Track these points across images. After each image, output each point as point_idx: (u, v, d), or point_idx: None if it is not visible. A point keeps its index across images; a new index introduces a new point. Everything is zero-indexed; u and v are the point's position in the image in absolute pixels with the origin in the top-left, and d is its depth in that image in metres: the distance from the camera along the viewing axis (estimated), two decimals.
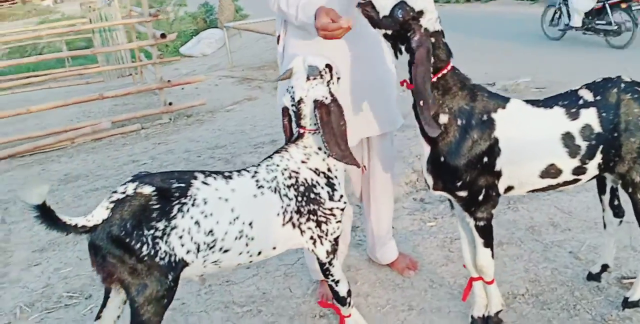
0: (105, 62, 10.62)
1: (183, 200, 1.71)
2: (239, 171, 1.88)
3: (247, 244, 1.80)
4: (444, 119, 1.93)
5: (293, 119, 1.97)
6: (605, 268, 2.45)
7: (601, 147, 1.98)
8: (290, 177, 1.89)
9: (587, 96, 2.01)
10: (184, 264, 1.73)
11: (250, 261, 1.87)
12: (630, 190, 2.08)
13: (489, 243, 2.11)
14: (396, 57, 1.91)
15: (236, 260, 1.82)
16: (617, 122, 1.97)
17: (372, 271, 2.72)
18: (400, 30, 1.83)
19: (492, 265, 2.15)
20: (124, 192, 1.67)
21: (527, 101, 2.03)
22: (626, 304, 2.27)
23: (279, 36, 2.32)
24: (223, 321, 2.45)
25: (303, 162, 1.93)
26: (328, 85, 1.95)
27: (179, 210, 1.70)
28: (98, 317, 1.86)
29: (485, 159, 1.94)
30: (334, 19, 1.93)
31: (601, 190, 2.33)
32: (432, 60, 1.84)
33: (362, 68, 2.24)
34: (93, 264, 1.68)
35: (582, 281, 2.48)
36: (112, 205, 1.65)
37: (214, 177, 1.80)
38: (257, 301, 2.55)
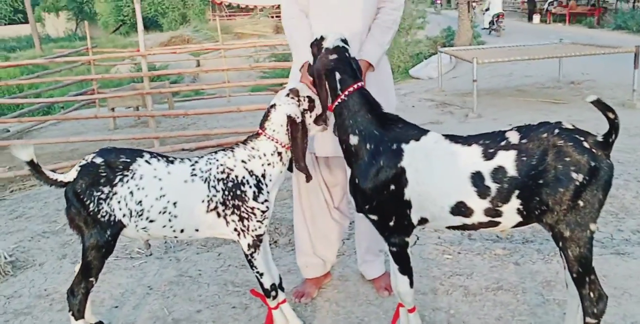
0: None
1: (125, 172, 2.19)
2: (182, 159, 2.29)
3: (170, 220, 2.19)
4: (354, 140, 2.09)
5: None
6: None
7: (517, 192, 1.90)
8: (223, 172, 2.22)
9: (513, 137, 1.94)
10: (121, 225, 2.20)
11: (176, 237, 2.26)
12: (560, 244, 1.95)
13: (405, 270, 2.16)
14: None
15: (161, 231, 2.22)
16: (542, 169, 1.88)
17: (357, 285, 2.87)
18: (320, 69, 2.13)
19: (411, 293, 2.19)
20: (86, 160, 2.21)
21: (447, 136, 2.04)
22: None
23: None
24: (212, 294, 2.88)
25: (243, 161, 2.23)
26: (303, 114, 2.25)
27: (120, 180, 2.18)
28: None
29: (393, 187, 2.03)
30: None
31: (557, 245, 2.15)
32: (339, 76, 2.09)
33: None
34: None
35: None
36: (79, 169, 2.20)
37: (158, 159, 2.24)
38: (250, 285, 2.91)
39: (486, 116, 8.01)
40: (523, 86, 10.65)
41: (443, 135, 2.06)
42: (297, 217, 2.82)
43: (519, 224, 2.01)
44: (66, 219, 2.27)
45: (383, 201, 2.06)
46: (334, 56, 2.13)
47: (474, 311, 2.55)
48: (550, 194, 1.87)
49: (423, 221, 2.08)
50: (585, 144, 1.87)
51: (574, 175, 1.85)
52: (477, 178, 1.93)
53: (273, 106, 2.26)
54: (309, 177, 2.27)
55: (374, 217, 2.11)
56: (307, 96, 2.26)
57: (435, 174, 1.99)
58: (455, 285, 2.78)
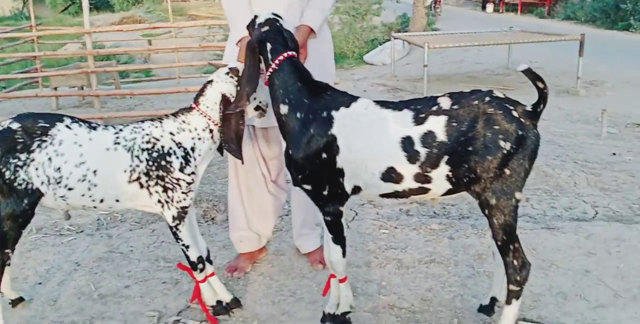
0: None
1: (43, 138, 2.07)
2: (107, 126, 2.19)
3: (89, 189, 2.10)
4: (284, 109, 2.05)
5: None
6: (493, 301, 2.28)
7: (446, 157, 1.89)
8: (148, 142, 2.13)
9: (444, 103, 1.93)
10: (39, 193, 2.09)
11: (95, 207, 2.17)
12: (486, 212, 1.96)
13: (338, 240, 2.14)
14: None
15: (80, 201, 2.13)
16: (472, 136, 1.87)
17: (292, 259, 2.85)
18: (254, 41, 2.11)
19: (343, 263, 2.16)
20: (2, 126, 2.09)
21: (377, 102, 2.02)
22: None
23: None
24: (142, 269, 2.81)
25: (171, 133, 2.16)
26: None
27: (38, 146, 2.06)
28: None
29: (325, 155, 2.00)
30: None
31: (482, 212, 2.17)
32: (271, 46, 2.05)
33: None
34: None
35: (474, 312, 2.33)
36: None
37: (79, 124, 2.14)
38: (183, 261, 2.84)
39: None
40: (473, 73, 10.79)
41: (374, 101, 2.03)
42: (232, 191, 2.75)
43: (448, 192, 2.00)
44: None
45: (315, 170, 2.02)
46: (266, 28, 2.10)
47: (405, 283, 2.56)
48: (479, 162, 1.87)
49: (357, 189, 2.05)
50: (514, 113, 1.88)
51: (502, 143, 1.85)
52: (407, 143, 1.91)
53: (210, 81, 2.19)
54: (242, 160, 2.24)
55: (308, 187, 2.08)
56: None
57: (366, 140, 1.97)
58: (389, 258, 2.78)
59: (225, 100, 2.15)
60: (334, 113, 2.00)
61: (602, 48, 11.77)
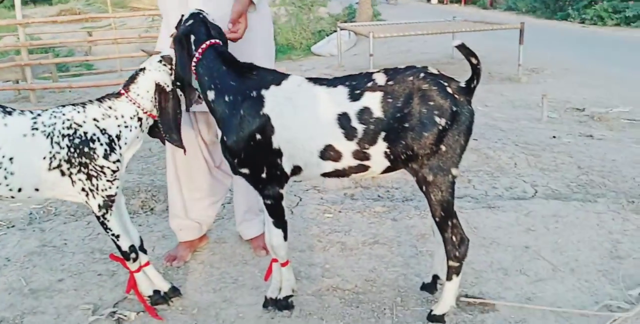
0: None
1: None
2: (23, 111, 2.06)
3: (5, 177, 1.96)
4: (211, 95, 1.99)
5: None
6: (435, 279, 2.28)
7: (383, 134, 1.87)
8: (69, 128, 2.01)
9: (380, 79, 1.90)
10: None
11: (13, 197, 2.02)
12: (423, 189, 1.95)
13: (279, 223, 2.09)
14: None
15: None
16: (407, 112, 1.85)
17: (234, 246, 2.79)
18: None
19: (284, 246, 2.12)
20: None
21: (310, 79, 1.98)
22: (430, 317, 2.11)
23: None
24: (77, 262, 2.69)
25: (95, 119, 2.04)
26: (169, 73, 2.12)
27: None
28: None
29: (259, 137, 1.94)
30: None
31: (420, 189, 2.17)
32: (193, 37, 2.02)
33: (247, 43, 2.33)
34: None
35: (417, 291, 2.33)
36: None
37: None
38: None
39: None
40: (418, 62, 10.83)
41: (307, 78, 1.98)
42: (170, 178, 2.66)
43: (387, 170, 1.98)
44: None
45: (251, 153, 1.96)
46: (190, 22, 2.06)
47: (349, 264, 2.54)
48: (415, 138, 1.86)
49: (297, 169, 2.00)
50: (449, 89, 1.87)
51: (437, 119, 1.84)
52: (343, 119, 1.88)
53: (142, 69, 2.10)
54: (184, 150, 2.16)
55: (245, 170, 2.01)
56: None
57: (302, 118, 1.92)
58: (332, 241, 2.75)
59: (160, 89, 2.07)
60: (264, 92, 1.94)
61: (542, 37, 12.13)
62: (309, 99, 1.93)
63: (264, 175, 2.00)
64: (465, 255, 2.04)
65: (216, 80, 1.98)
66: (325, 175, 2.04)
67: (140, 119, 2.09)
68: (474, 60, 1.91)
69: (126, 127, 2.08)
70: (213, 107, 2.01)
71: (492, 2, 20.66)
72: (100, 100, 2.10)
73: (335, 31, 14.89)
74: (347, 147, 1.91)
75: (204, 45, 2.00)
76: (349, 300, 2.27)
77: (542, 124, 5.69)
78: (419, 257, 2.61)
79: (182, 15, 2.13)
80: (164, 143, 2.26)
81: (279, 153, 1.96)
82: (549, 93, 6.67)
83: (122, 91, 2.10)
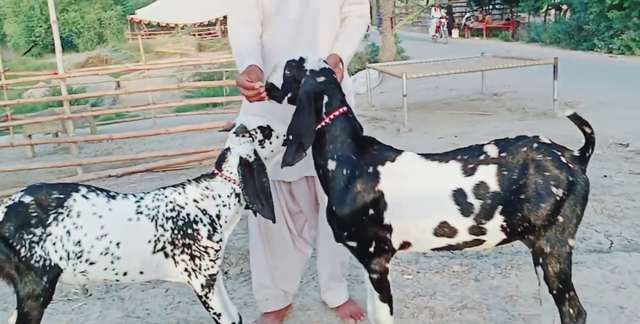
0: None
1: (60, 210, 1.96)
2: (126, 194, 2.09)
3: (112, 262, 1.98)
4: (332, 165, 1.99)
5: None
6: None
7: (500, 207, 1.85)
8: (172, 210, 2.04)
9: (492, 151, 1.90)
10: (58, 269, 1.96)
11: (117, 280, 2.05)
12: (540, 260, 1.92)
13: (385, 298, 2.07)
14: None
15: (102, 275, 2.01)
16: (523, 184, 1.84)
17: (320, 313, 2.75)
18: (294, 85, 2.00)
19: (391, 321, 2.09)
20: (13, 200, 1.97)
21: (423, 155, 1.98)
22: None
23: None
24: None
25: (195, 200, 2.07)
26: (261, 144, 2.13)
27: (55, 219, 1.94)
28: None
29: (371, 212, 1.93)
30: (253, 79, 2.11)
31: (536, 261, 2.14)
32: (327, 99, 1.97)
33: None
34: None
35: None
36: (5, 210, 1.95)
37: (97, 194, 2.03)
38: (204, 322, 2.73)
39: (417, 129, 8.15)
40: (449, 99, 10.95)
41: (418, 154, 1.99)
42: (254, 248, 2.65)
43: (503, 242, 1.97)
44: None
45: (362, 227, 1.96)
46: (322, 78, 1.99)
47: None
48: (532, 210, 1.84)
49: (405, 245, 1.99)
50: (563, 159, 1.86)
51: (554, 190, 1.83)
52: (459, 195, 1.87)
53: (228, 148, 2.12)
54: (274, 220, 2.13)
55: (353, 244, 2.01)
56: (258, 127, 2.14)
57: (415, 195, 1.92)
58: (420, 307, 2.71)
59: (243, 162, 2.07)
60: (379, 168, 1.95)
61: (570, 69, 12.11)
62: (423, 176, 1.93)
63: (371, 249, 1.99)
64: None
65: (340, 151, 1.98)
66: (435, 249, 2.02)
67: (237, 195, 2.11)
68: (587, 130, 1.91)
69: (224, 206, 2.10)
70: (330, 177, 2.00)
71: (513, 34, 20.80)
72: (197, 180, 2.12)
73: (359, 70, 15.09)
74: (463, 224, 1.89)
75: (337, 112, 1.99)
76: None
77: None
78: (512, 322, 2.55)
79: (302, 59, 2.02)
80: (255, 214, 2.25)
81: (389, 229, 1.96)
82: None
83: (216, 171, 2.12)
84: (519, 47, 17.25)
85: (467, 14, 24.65)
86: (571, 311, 1.94)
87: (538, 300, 2.65)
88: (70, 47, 30.54)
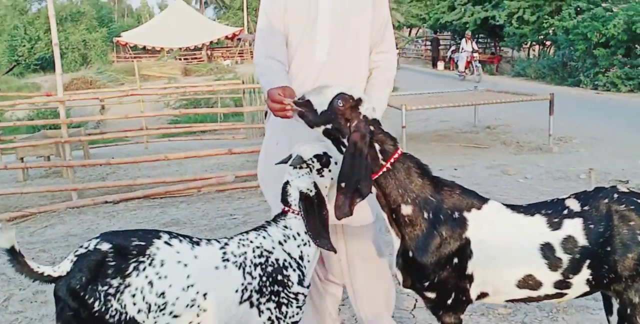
0: (249, 121, 11.58)
1: (140, 258, 1.80)
2: (209, 240, 1.96)
3: (198, 315, 1.84)
4: (407, 210, 1.90)
5: None
6: None
7: (588, 261, 1.84)
8: (260, 256, 1.93)
9: (574, 205, 1.89)
10: (134, 323, 1.78)
11: None
12: (628, 311, 1.89)
13: None
14: (340, 151, 1.93)
15: None
16: (609, 236, 1.84)
17: None
18: (340, 121, 1.87)
19: None
20: (87, 248, 1.81)
21: (507, 205, 1.96)
22: None
23: None
24: None
25: (280, 243, 1.97)
26: (320, 173, 2.02)
27: (135, 268, 1.78)
28: None
29: (456, 260, 1.88)
30: (285, 95, 1.97)
31: (608, 309, 2.12)
32: (379, 146, 1.88)
33: None
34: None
35: None
36: (75, 259, 1.79)
37: (180, 240, 1.89)
38: None
39: None
40: (442, 131, 11.07)
41: (504, 204, 1.96)
42: None
43: (583, 294, 1.95)
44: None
45: (445, 276, 1.89)
46: (372, 128, 1.89)
47: None
48: (619, 261, 1.83)
49: (482, 295, 1.95)
50: None
51: (639, 238, 1.83)
52: (547, 249, 1.85)
53: (287, 182, 2.02)
54: (335, 251, 2.04)
55: (432, 295, 1.94)
56: (314, 156, 2.00)
57: (502, 246, 1.88)
58: None
59: (303, 196, 1.98)
60: (466, 214, 1.90)
61: (559, 104, 12.36)
62: (510, 227, 1.90)
63: (449, 301, 1.94)
64: None
65: (413, 194, 1.89)
66: (509, 301, 1.99)
67: None
68: None
69: (305, 244, 1.99)
70: (406, 222, 1.91)
71: (497, 68, 21.28)
72: (274, 221, 2.03)
73: None
74: (549, 278, 1.87)
75: (396, 155, 1.90)
76: None
77: None
78: None
79: (360, 100, 1.88)
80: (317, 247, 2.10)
81: (470, 279, 1.91)
82: (585, 164, 6.71)
83: (286, 208, 2.03)
84: (505, 81, 17.62)
85: (452, 47, 25.11)
86: None
87: None
88: (53, 68, 30.21)
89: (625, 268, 1.83)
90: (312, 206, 1.98)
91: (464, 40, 19.74)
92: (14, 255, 1.76)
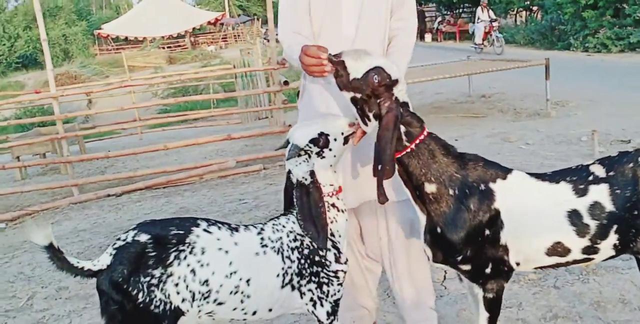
0: (244, 105, 11.47)
1: (181, 247, 1.78)
2: (246, 226, 1.94)
3: (242, 301, 1.83)
4: (431, 188, 1.86)
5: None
6: None
7: (615, 226, 1.82)
8: (295, 240, 1.90)
9: (599, 171, 1.87)
10: (179, 312, 1.78)
11: (244, 319, 1.90)
12: None
13: (494, 318, 1.99)
14: (365, 123, 1.86)
15: (230, 315, 1.85)
16: (636, 200, 1.81)
17: None
18: (370, 95, 1.80)
19: None
20: (125, 240, 1.79)
21: (531, 174, 1.92)
22: None
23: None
24: None
25: None
26: (320, 155, 1.91)
27: (176, 257, 1.76)
28: None
29: (487, 232, 1.86)
30: (323, 50, 1.87)
31: None
32: (405, 128, 1.82)
33: None
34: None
35: None
36: (114, 252, 1.77)
37: (218, 227, 1.86)
38: None
39: None
40: (437, 103, 11.01)
41: (527, 173, 1.92)
42: None
43: (608, 258, 1.93)
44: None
45: (478, 249, 1.87)
46: (402, 109, 1.81)
47: None
48: None
49: (516, 265, 1.93)
50: None
51: None
52: (574, 216, 1.83)
53: (289, 171, 1.94)
54: (325, 248, 1.93)
55: (467, 267, 1.92)
56: (310, 141, 1.89)
57: (531, 215, 1.86)
58: (511, 319, 2.65)
59: (299, 184, 1.89)
60: (492, 185, 1.87)
61: (552, 69, 12.34)
62: (537, 196, 1.87)
63: (487, 270, 1.91)
64: None
65: (437, 173, 1.86)
66: (538, 268, 1.97)
67: (333, 205, 1.95)
68: None
69: (332, 222, 1.95)
70: (432, 200, 1.88)
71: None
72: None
73: None
74: (577, 244, 1.86)
75: (421, 137, 1.86)
76: None
77: None
78: None
79: (396, 80, 1.79)
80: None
81: (505, 249, 1.88)
82: (583, 126, 6.68)
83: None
84: (494, 49, 17.48)
85: (439, 18, 24.91)
86: None
87: (627, 305, 2.66)
88: (35, 65, 29.81)
89: None
90: (307, 196, 1.88)
91: (479, 8, 17.65)
92: (54, 252, 1.74)
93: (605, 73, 11.66)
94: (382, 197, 1.83)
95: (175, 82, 12.44)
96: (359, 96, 1.82)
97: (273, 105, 9.81)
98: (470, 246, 1.87)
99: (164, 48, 30.40)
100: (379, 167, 1.79)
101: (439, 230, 1.89)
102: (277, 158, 7.52)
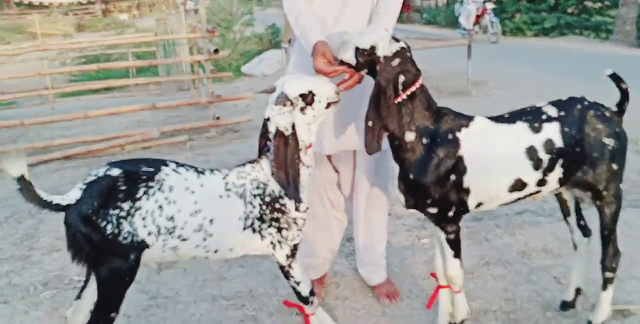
0: (165, 75, 11.14)
1: (150, 183, 1.84)
2: (212, 170, 2.01)
3: (204, 239, 1.92)
4: (410, 137, 2.04)
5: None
6: (578, 292, 2.46)
7: (561, 161, 2.07)
8: (258, 188, 2.00)
9: (551, 111, 2.11)
10: (144, 245, 1.85)
11: (206, 257, 1.99)
12: (597, 203, 2.16)
13: (458, 254, 2.20)
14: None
15: (193, 251, 1.94)
16: (580, 138, 2.07)
17: (357, 279, 2.83)
18: (370, 67, 2.03)
19: (461, 275, 2.22)
20: (96, 175, 1.84)
21: (491, 118, 2.13)
22: None
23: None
24: (207, 311, 2.62)
25: (272, 174, 2.00)
26: (302, 111, 2.00)
27: (145, 193, 1.83)
28: (78, 297, 2.00)
29: (453, 177, 2.05)
30: (330, 60, 2.10)
31: (565, 212, 2.40)
32: (403, 78, 1.98)
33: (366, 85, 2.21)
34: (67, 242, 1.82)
35: (557, 303, 2.50)
36: (85, 186, 1.80)
37: (186, 169, 1.95)
38: (243, 297, 2.71)
39: None
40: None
41: (487, 117, 2.13)
42: None
43: (551, 192, 2.19)
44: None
45: (444, 193, 2.06)
46: (397, 61, 1.98)
47: (480, 286, 2.67)
48: (589, 161, 2.08)
49: (478, 205, 2.13)
50: (607, 114, 2.12)
51: (606, 140, 2.08)
52: (531, 151, 2.06)
53: (268, 119, 2.00)
54: (298, 200, 2.02)
55: (433, 210, 2.11)
56: (299, 95, 1.98)
57: (493, 156, 2.06)
58: None
59: (278, 134, 1.95)
60: (458, 134, 2.05)
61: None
62: (497, 138, 2.07)
63: (451, 213, 2.11)
64: (618, 266, 2.24)
65: (417, 123, 2.03)
66: (501, 205, 2.18)
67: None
68: (624, 86, 2.18)
69: None
70: (407, 148, 2.05)
71: (407, 17, 21.55)
72: (265, 155, 2.04)
73: (261, 51, 14.99)
74: (533, 177, 2.08)
75: (413, 88, 2.00)
76: (505, 320, 2.41)
77: None
78: (536, 273, 2.79)
79: (372, 47, 1.97)
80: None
81: (467, 192, 2.08)
82: (506, 106, 6.97)
83: (269, 143, 2.01)
84: (417, 29, 17.95)
85: None
86: (612, 251, 2.22)
87: (549, 253, 2.96)
88: None
89: (594, 166, 2.09)
90: (285, 146, 1.96)
91: None
92: (25, 184, 1.75)
93: (520, 55, 12.32)
94: (369, 149, 2.02)
95: (94, 48, 11.85)
96: (366, 70, 2.06)
97: (197, 75, 9.62)
98: (438, 190, 2.06)
99: (72, 15, 28.71)
100: (370, 123, 1.99)
101: (411, 176, 2.08)
102: (204, 130, 7.44)
